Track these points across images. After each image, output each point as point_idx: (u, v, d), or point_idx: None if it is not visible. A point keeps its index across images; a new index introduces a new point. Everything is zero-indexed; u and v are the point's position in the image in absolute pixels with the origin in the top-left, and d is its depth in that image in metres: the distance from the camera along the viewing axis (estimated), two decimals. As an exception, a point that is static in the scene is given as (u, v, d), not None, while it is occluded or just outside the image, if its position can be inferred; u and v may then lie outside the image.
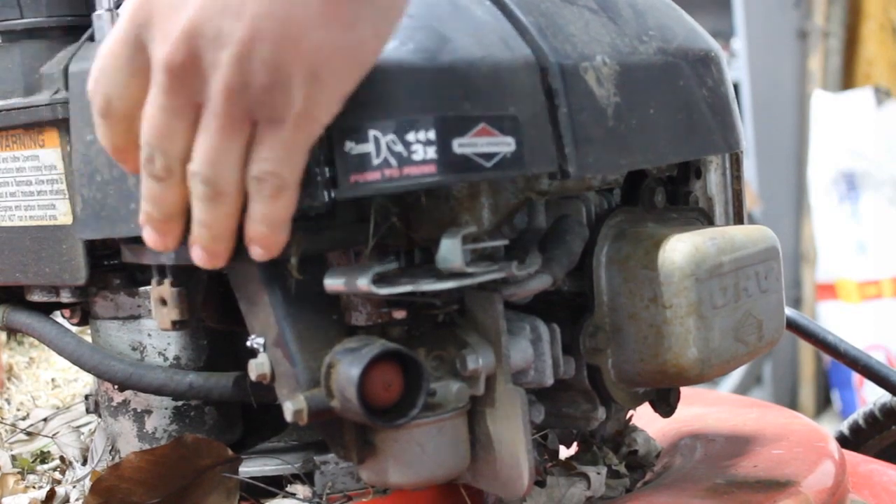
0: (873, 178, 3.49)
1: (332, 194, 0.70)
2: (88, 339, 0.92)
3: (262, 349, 0.75)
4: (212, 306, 0.84)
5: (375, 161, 0.69)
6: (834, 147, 3.53)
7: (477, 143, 0.70)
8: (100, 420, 0.95)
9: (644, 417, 0.97)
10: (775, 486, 0.87)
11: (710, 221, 0.91)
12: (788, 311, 1.08)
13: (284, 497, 0.86)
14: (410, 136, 0.69)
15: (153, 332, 0.89)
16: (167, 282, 0.78)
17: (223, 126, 0.65)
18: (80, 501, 0.93)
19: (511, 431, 0.75)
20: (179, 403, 0.90)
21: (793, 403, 3.57)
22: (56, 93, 0.82)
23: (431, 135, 0.69)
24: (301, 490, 0.86)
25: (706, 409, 1.10)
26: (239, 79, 0.64)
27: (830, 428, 1.18)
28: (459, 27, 0.73)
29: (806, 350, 3.59)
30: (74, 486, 0.96)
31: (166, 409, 0.90)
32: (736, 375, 3.35)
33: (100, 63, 0.68)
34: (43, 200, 0.85)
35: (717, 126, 0.87)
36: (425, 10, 0.72)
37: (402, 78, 0.69)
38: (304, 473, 0.86)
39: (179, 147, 0.67)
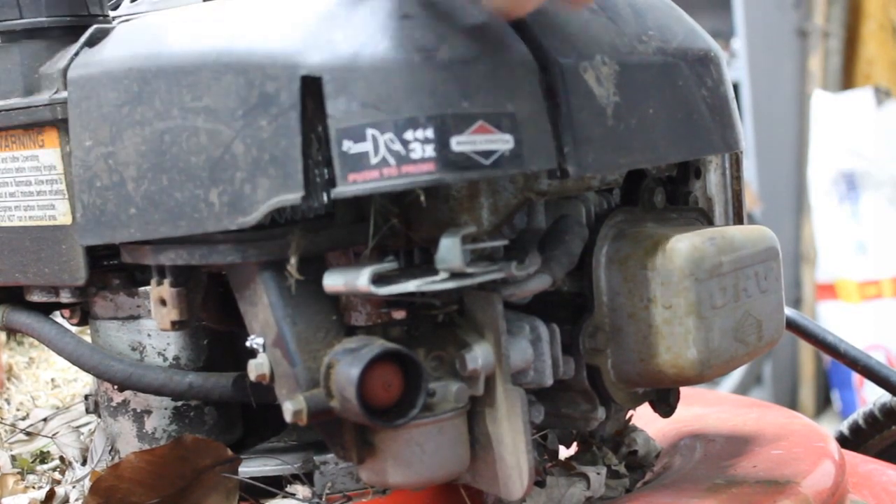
0: (873, 178, 3.48)
1: (331, 194, 0.70)
2: (88, 339, 0.92)
3: (261, 349, 0.75)
4: (212, 306, 0.84)
5: (374, 160, 0.69)
6: (834, 147, 3.52)
7: (475, 141, 0.70)
8: (99, 420, 0.95)
9: (644, 417, 0.97)
10: (775, 486, 0.87)
11: (709, 221, 0.91)
12: (788, 311, 1.08)
13: (284, 497, 0.86)
14: (408, 135, 0.69)
15: (153, 332, 0.89)
16: (167, 282, 0.78)
17: None
18: (80, 501, 0.93)
19: (511, 431, 0.75)
20: (179, 403, 0.90)
21: (793, 403, 3.56)
22: (55, 93, 0.82)
23: (430, 133, 0.69)
24: (301, 490, 0.86)
25: (706, 409, 1.10)
26: None
27: (830, 428, 1.18)
28: (457, 25, 0.73)
29: (806, 350, 3.58)
30: (74, 486, 0.96)
31: (166, 409, 0.90)
32: (736, 375, 3.35)
33: None
34: (42, 201, 0.85)
35: (716, 126, 0.87)
36: (424, 9, 0.72)
37: (399, 76, 0.69)
38: (303, 473, 0.86)
39: None
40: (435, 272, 0.73)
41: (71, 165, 0.81)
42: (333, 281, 0.73)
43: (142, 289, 0.88)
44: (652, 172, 0.89)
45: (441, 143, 0.69)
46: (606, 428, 0.90)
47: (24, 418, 1.17)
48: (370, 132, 0.69)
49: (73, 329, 0.92)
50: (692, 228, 0.84)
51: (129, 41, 0.79)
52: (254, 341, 0.76)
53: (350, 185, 0.70)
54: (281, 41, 0.72)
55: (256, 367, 0.75)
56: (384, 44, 0.70)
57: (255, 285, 0.75)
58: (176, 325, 0.78)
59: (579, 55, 0.77)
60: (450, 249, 0.72)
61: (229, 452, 0.85)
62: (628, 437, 1.00)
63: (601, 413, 0.85)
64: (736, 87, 1.42)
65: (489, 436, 0.77)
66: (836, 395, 3.60)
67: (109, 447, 0.93)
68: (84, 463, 1.00)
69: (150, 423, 0.90)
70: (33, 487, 0.99)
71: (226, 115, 0.72)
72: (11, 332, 1.08)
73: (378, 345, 0.71)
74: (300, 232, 0.73)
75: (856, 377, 3.42)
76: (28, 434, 1.10)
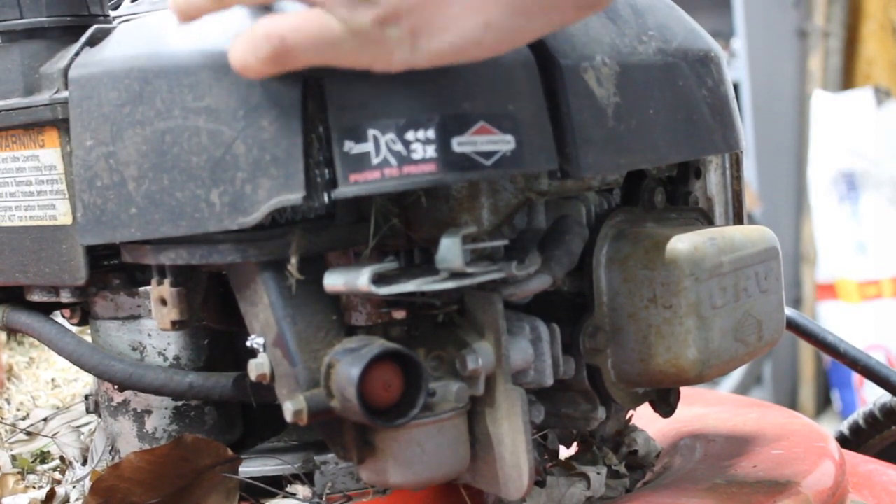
0: (873, 178, 3.48)
1: (333, 194, 0.70)
2: (88, 339, 0.92)
3: (261, 349, 0.75)
4: (212, 306, 0.84)
5: (375, 160, 0.69)
6: (834, 147, 3.52)
7: (476, 142, 0.70)
8: (100, 420, 0.95)
9: (644, 417, 0.97)
10: (775, 486, 0.87)
11: (709, 222, 0.91)
12: (788, 311, 1.08)
13: (284, 497, 0.86)
14: (410, 135, 0.69)
15: (153, 332, 0.89)
16: (167, 282, 0.78)
17: None
18: (80, 501, 0.93)
19: (511, 431, 0.75)
20: (179, 403, 0.90)
21: (793, 403, 3.56)
22: (56, 93, 0.82)
23: (431, 133, 0.69)
24: (301, 490, 0.86)
25: (706, 409, 1.10)
26: None
27: (830, 428, 1.18)
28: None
29: (806, 350, 3.58)
30: (74, 486, 0.96)
31: (166, 409, 0.90)
32: (736, 375, 3.35)
33: None
34: (43, 200, 0.85)
35: (716, 126, 0.87)
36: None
37: (401, 77, 0.69)
38: (304, 473, 0.86)
39: None
40: (435, 272, 0.73)
41: (71, 165, 0.80)
42: (334, 281, 0.73)
43: (142, 289, 0.88)
44: (652, 172, 0.89)
45: (442, 143, 0.69)
46: (606, 428, 0.90)
47: (24, 418, 1.17)
48: (371, 133, 0.69)
49: (73, 329, 0.92)
50: (692, 228, 0.84)
51: (130, 41, 0.79)
52: (254, 341, 0.76)
53: (351, 186, 0.70)
54: (281, 41, 0.72)
55: (257, 367, 0.75)
56: (385, 44, 0.70)
57: (255, 285, 0.75)
58: (176, 325, 0.78)
59: (580, 56, 0.77)
60: (450, 249, 0.72)
61: (229, 452, 0.85)
62: (628, 437, 1.00)
63: (601, 413, 0.85)
64: (736, 87, 1.42)
65: (489, 436, 0.77)
66: (836, 395, 3.60)
67: (110, 447, 0.93)
68: (84, 463, 1.00)
69: (150, 423, 0.90)
70: (33, 487, 0.99)
71: (227, 116, 0.72)
72: (12, 332, 1.08)
73: (378, 345, 0.71)
74: (301, 232, 0.73)
75: (856, 377, 3.42)
76: (28, 434, 1.10)
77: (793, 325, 1.16)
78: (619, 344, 0.82)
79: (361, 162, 0.69)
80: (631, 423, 1.01)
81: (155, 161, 0.75)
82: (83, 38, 0.82)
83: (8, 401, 1.26)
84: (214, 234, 0.74)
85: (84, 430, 1.07)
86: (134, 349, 0.89)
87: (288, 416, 0.73)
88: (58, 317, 0.94)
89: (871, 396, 2.91)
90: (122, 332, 0.89)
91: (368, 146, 0.69)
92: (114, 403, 0.91)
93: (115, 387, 0.90)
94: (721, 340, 0.81)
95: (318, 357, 0.74)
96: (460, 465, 0.77)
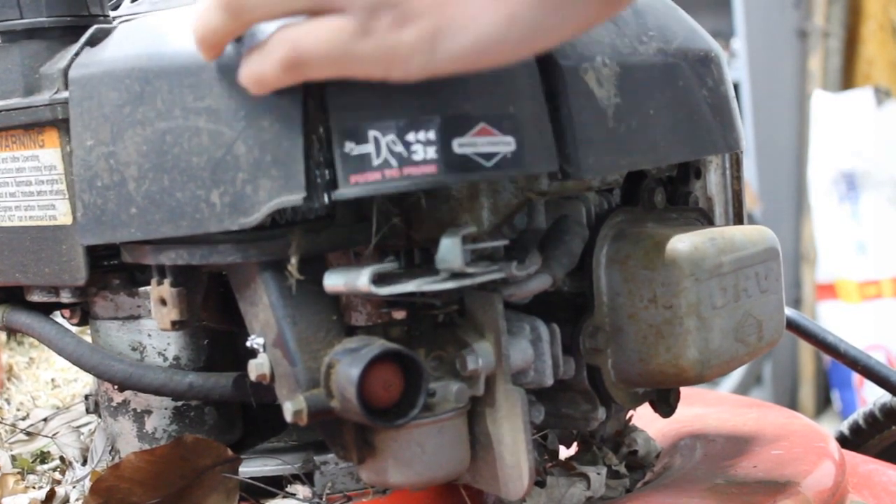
0: (873, 178, 3.48)
1: (333, 195, 0.70)
2: (88, 339, 0.92)
3: (261, 349, 0.75)
4: (212, 306, 0.84)
5: (376, 161, 0.69)
6: (834, 147, 3.52)
7: (477, 143, 0.70)
8: (100, 420, 0.95)
9: (644, 417, 0.97)
10: (775, 486, 0.87)
11: (709, 222, 0.91)
12: (788, 311, 1.08)
13: (284, 497, 0.86)
14: (410, 137, 0.69)
15: (153, 332, 0.89)
16: (167, 282, 0.78)
17: None
18: (80, 501, 0.93)
19: (511, 431, 0.75)
20: (179, 403, 0.90)
21: (793, 403, 3.56)
22: (56, 93, 0.82)
23: (431, 135, 0.69)
24: (301, 490, 0.86)
25: (706, 409, 1.10)
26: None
27: (830, 428, 1.18)
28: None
29: (806, 350, 3.58)
30: (74, 487, 0.96)
31: (166, 409, 0.90)
32: (736, 375, 3.35)
33: None
34: (43, 201, 0.85)
35: (716, 126, 0.87)
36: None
37: (401, 78, 0.69)
38: (304, 473, 0.86)
39: None
40: (435, 272, 0.73)
41: (71, 165, 0.80)
42: (334, 281, 0.73)
43: (142, 289, 0.88)
44: (652, 172, 0.89)
45: (443, 144, 0.69)
46: (606, 428, 0.90)
47: (24, 418, 1.17)
48: (372, 134, 0.69)
49: (73, 329, 0.92)
50: (692, 228, 0.84)
51: (130, 41, 0.79)
52: (254, 341, 0.76)
53: (352, 187, 0.70)
54: (282, 41, 0.72)
55: (257, 367, 0.75)
56: (385, 44, 0.70)
57: (255, 285, 0.75)
58: (176, 325, 0.78)
59: (580, 56, 0.77)
60: (450, 249, 0.72)
61: (229, 452, 0.85)
62: (628, 437, 1.00)
63: (601, 413, 0.85)
64: (736, 87, 1.42)
65: (489, 436, 0.77)
66: (836, 395, 3.60)
67: (109, 447, 0.93)
68: (84, 463, 1.00)
69: (150, 423, 0.90)
70: (33, 487, 0.99)
71: (228, 116, 0.72)
72: (11, 332, 1.08)
73: (378, 345, 0.72)
74: (301, 232, 0.73)
75: (856, 377, 3.42)
76: (28, 434, 1.10)
77: (793, 325, 1.16)
78: (619, 344, 0.82)
79: (362, 163, 0.69)
80: (631, 423, 1.01)
81: (155, 161, 0.75)
82: (83, 39, 0.82)
83: (8, 401, 1.26)
84: (215, 235, 0.74)
85: (84, 430, 1.07)
86: (134, 349, 0.89)
87: (288, 417, 0.73)
88: (58, 317, 0.94)
89: (871, 396, 2.91)
90: (122, 332, 0.89)
91: (369, 147, 0.69)
92: (114, 403, 0.91)
93: (115, 387, 0.90)
94: (721, 340, 0.81)
95: (318, 357, 0.74)
96: (460, 465, 0.77)
